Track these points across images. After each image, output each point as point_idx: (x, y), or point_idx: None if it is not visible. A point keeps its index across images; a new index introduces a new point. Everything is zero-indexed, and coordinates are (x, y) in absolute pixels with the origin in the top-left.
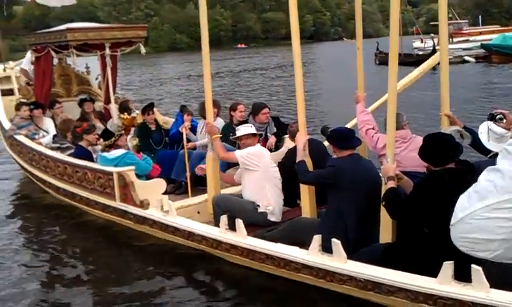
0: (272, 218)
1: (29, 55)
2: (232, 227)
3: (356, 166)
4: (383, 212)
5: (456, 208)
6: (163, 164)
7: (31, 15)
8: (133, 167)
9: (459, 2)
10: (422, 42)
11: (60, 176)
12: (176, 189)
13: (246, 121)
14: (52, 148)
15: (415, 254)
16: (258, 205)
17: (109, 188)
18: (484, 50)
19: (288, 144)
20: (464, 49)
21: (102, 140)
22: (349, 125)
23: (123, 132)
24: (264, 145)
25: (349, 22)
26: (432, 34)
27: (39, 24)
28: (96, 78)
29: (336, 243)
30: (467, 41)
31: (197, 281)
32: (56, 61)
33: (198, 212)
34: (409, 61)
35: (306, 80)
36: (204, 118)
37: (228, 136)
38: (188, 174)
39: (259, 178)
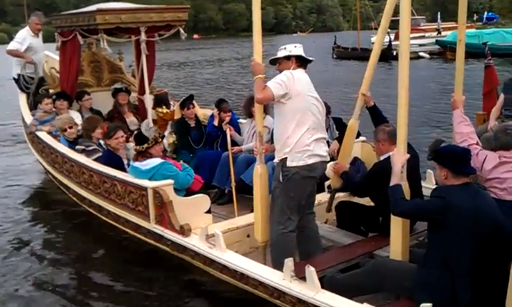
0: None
1: (24, 35)
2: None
3: (474, 201)
4: None
5: None
6: (203, 165)
7: None
8: (171, 182)
9: None
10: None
11: (85, 184)
12: (218, 198)
13: None
14: (77, 150)
15: None
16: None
17: (142, 206)
18: (438, 47)
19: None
20: (420, 45)
21: (134, 144)
22: None
23: (160, 140)
24: None
25: (310, 15)
26: (389, 30)
27: None
28: (130, 66)
29: None
30: (423, 37)
31: None
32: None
33: (248, 236)
34: (366, 55)
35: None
36: (250, 116)
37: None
38: (233, 183)
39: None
